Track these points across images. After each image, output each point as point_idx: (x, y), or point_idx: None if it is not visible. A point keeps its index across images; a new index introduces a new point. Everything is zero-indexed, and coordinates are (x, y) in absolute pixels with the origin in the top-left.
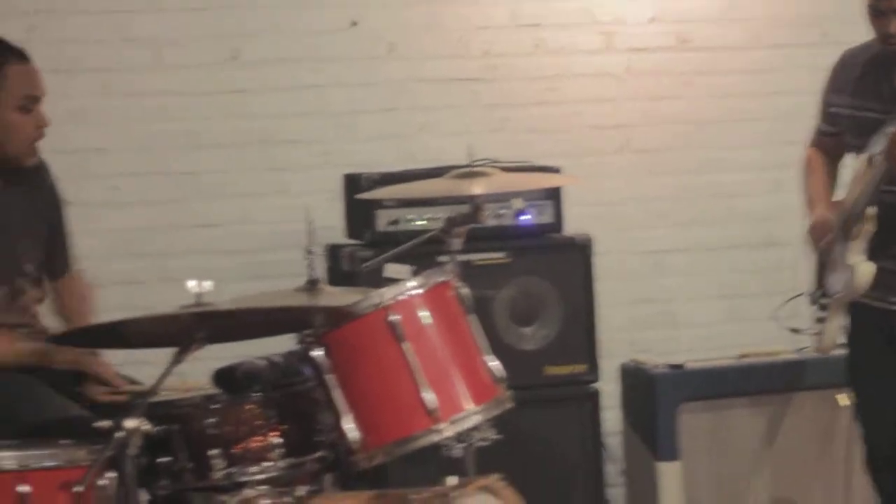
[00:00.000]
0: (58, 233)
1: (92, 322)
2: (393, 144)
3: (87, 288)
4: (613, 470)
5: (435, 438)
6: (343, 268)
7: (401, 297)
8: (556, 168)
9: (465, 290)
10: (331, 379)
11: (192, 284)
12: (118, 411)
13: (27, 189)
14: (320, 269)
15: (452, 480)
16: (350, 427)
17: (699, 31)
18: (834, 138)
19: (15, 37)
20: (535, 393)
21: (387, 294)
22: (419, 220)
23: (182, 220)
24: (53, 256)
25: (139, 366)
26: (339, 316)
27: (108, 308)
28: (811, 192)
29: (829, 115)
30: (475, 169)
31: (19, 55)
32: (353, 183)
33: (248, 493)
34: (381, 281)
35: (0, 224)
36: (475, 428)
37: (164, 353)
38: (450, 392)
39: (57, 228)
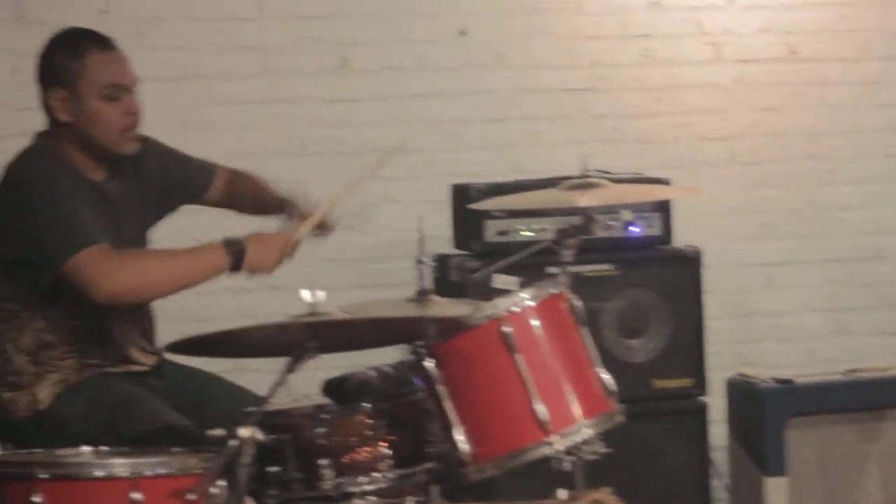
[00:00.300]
0: (178, 175)
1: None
2: (499, 154)
3: (236, 173)
4: (718, 485)
5: (546, 451)
6: (451, 278)
7: (514, 309)
8: (666, 180)
9: (578, 303)
10: (442, 390)
11: (305, 294)
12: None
13: (130, 177)
14: (428, 280)
15: (563, 493)
16: (461, 439)
17: (809, 42)
18: None
19: (124, 44)
20: (642, 406)
21: (500, 305)
22: (527, 231)
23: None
24: (193, 183)
25: (247, 374)
26: (452, 327)
27: (215, 316)
28: None
29: None
30: (587, 180)
31: (102, 43)
32: (462, 193)
33: (357, 503)
34: (488, 292)
35: (106, 213)
36: (585, 441)
37: (272, 362)
38: (561, 405)
39: (174, 180)
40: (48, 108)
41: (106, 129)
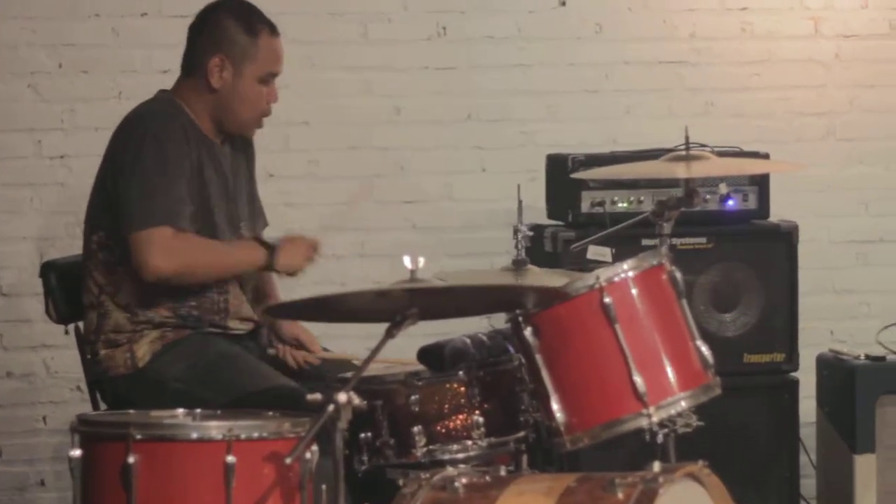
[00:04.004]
0: (257, 204)
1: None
2: (595, 126)
3: None
4: (807, 461)
5: (643, 423)
6: (545, 248)
7: (615, 279)
8: (766, 154)
9: (678, 274)
10: (539, 359)
11: (406, 260)
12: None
13: (241, 151)
14: (524, 249)
15: (657, 466)
16: (557, 408)
17: None
18: None
19: None
20: (732, 381)
21: (602, 275)
22: (623, 203)
23: (381, 195)
24: (255, 227)
25: (336, 340)
26: (553, 296)
27: (305, 282)
28: None
29: None
30: (690, 152)
31: (272, 27)
32: (558, 163)
33: (449, 471)
34: (581, 263)
35: (221, 178)
36: (680, 414)
37: (360, 327)
38: (659, 376)
39: (257, 202)
40: (203, 69)
41: (249, 110)
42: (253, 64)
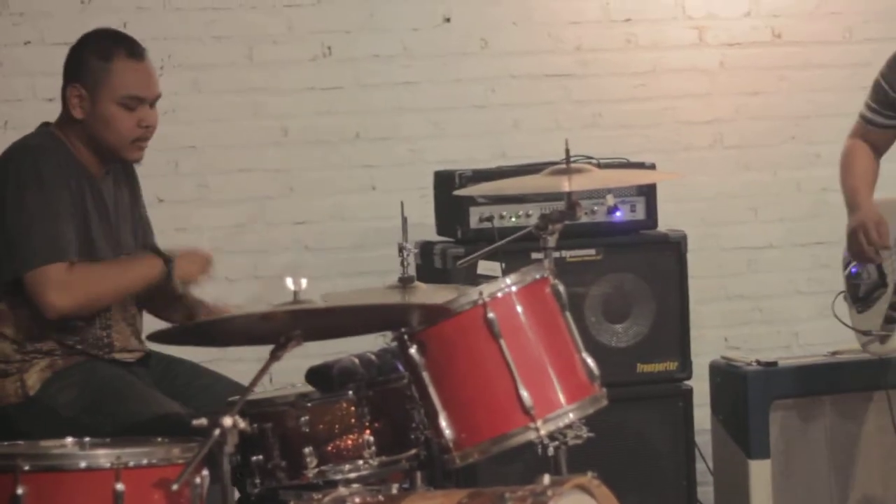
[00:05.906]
0: (145, 226)
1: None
2: (484, 141)
3: None
4: (703, 468)
5: (531, 436)
6: (435, 265)
7: (499, 294)
8: (652, 164)
9: (561, 287)
10: (426, 376)
11: (289, 281)
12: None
13: (123, 180)
14: (411, 266)
15: (546, 479)
16: (445, 425)
17: (793, 25)
18: (887, 130)
19: None
20: (626, 391)
21: (484, 291)
22: (512, 218)
23: (272, 217)
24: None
25: (230, 363)
26: (437, 313)
27: None
28: (854, 185)
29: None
30: (572, 165)
31: (131, 51)
32: (445, 180)
33: (341, 491)
34: (471, 278)
35: (102, 211)
36: (569, 426)
37: (254, 351)
38: (546, 389)
39: (145, 223)
40: (64, 101)
41: (115, 136)
42: (106, 89)
